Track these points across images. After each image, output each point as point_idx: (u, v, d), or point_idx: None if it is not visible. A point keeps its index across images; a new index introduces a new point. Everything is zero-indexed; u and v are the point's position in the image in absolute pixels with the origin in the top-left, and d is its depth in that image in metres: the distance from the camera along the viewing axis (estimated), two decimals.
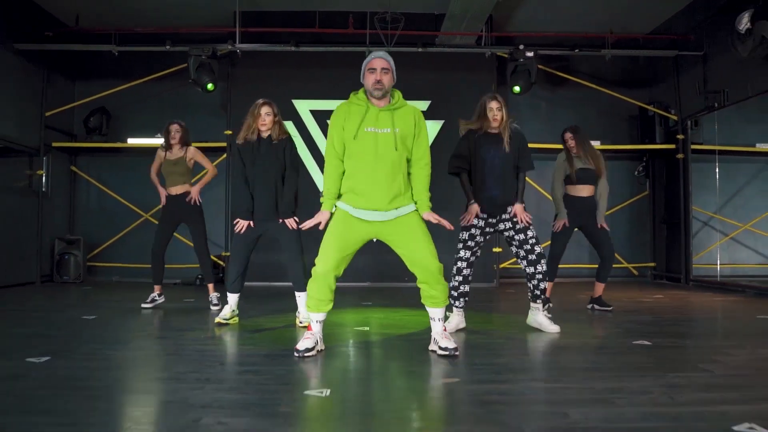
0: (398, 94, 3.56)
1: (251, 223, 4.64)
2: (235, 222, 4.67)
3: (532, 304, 4.49)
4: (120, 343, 3.90)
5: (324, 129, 8.67)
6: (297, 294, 4.71)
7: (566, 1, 8.33)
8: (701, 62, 8.30)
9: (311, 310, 3.50)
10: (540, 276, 4.34)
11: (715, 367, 3.16)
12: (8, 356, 3.34)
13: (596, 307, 5.69)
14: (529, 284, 4.43)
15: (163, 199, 5.79)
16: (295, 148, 4.77)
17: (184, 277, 8.67)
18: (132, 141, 8.95)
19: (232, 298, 4.76)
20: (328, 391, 2.67)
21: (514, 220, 4.37)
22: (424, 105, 8.69)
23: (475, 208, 4.34)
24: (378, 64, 3.42)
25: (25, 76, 8.24)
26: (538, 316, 4.45)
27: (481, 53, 8.61)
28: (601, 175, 5.53)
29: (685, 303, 6.41)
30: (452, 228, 3.59)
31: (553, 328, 4.34)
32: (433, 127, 8.69)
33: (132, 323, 4.83)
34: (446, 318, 3.93)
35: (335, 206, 3.55)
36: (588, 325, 4.82)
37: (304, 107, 8.70)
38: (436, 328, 3.55)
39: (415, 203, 3.56)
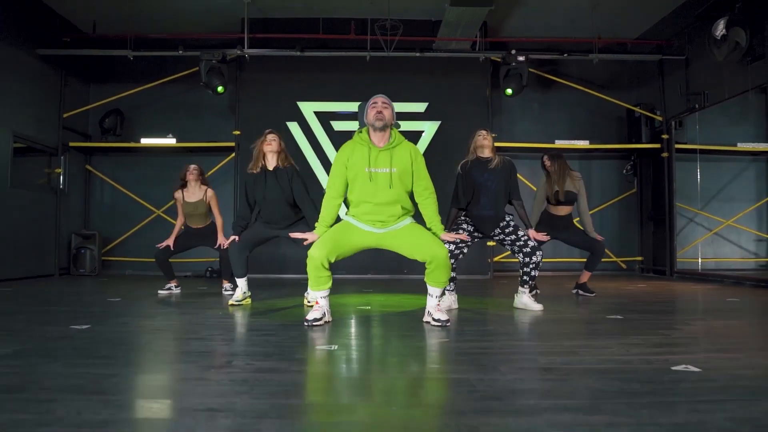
0: (395, 133, 4.03)
1: (236, 238, 5.14)
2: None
3: (519, 288, 4.95)
4: (148, 317, 4.38)
5: (327, 129, 9.17)
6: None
7: (557, 9, 8.82)
8: (683, 66, 8.79)
9: (313, 288, 3.92)
10: (533, 265, 4.80)
11: (672, 333, 3.63)
12: (54, 324, 3.81)
13: (581, 292, 6.14)
14: (521, 270, 4.89)
15: (171, 243, 6.22)
16: (300, 176, 5.19)
17: (195, 270, 9.14)
18: (145, 141, 9.43)
19: (242, 282, 5.22)
20: (336, 346, 3.14)
21: (502, 224, 4.86)
22: (422, 107, 9.18)
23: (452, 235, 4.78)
24: (379, 100, 3.95)
25: (44, 80, 8.73)
26: (523, 298, 4.92)
27: (475, 58, 9.11)
28: (579, 194, 5.96)
29: (664, 290, 6.88)
30: (469, 239, 4.05)
31: (536, 307, 4.81)
32: (431, 128, 9.18)
33: (155, 304, 5.31)
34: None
35: (341, 218, 4.08)
36: (571, 305, 5.29)
37: (308, 109, 9.19)
38: (431, 302, 4.02)
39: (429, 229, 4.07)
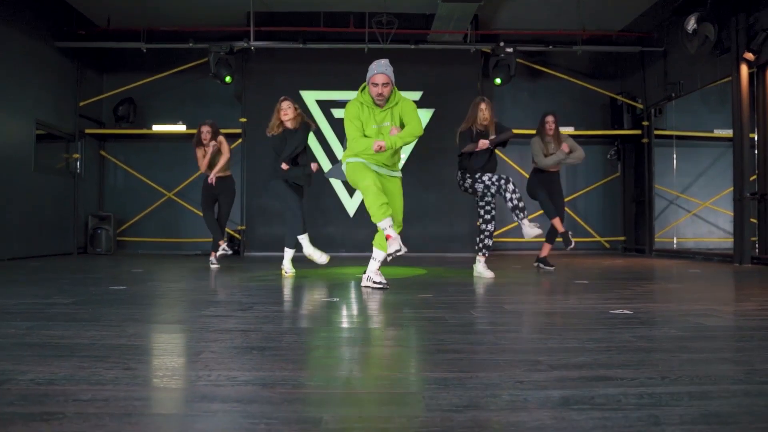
0: (396, 94, 4.48)
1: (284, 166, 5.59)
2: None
3: (476, 257, 5.60)
4: (173, 281, 5.01)
5: (329, 116, 9.77)
6: (286, 249, 5.68)
7: (544, 3, 9.37)
8: (662, 57, 9.37)
9: (380, 218, 4.12)
10: (488, 233, 5.48)
11: (624, 291, 4.26)
12: (96, 286, 4.44)
13: (541, 266, 6.55)
14: (477, 238, 5.57)
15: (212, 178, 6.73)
16: (307, 130, 5.72)
17: (204, 248, 9.77)
18: (156, 128, 10.03)
19: (304, 240, 5.61)
20: (338, 298, 3.77)
21: (493, 179, 5.39)
22: (416, 95, 9.77)
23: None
24: (379, 80, 4.25)
25: (62, 71, 9.31)
26: (478, 266, 5.57)
27: (466, 49, 9.69)
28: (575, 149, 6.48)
29: (638, 264, 7.51)
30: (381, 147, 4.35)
31: (488, 274, 5.46)
32: (425, 115, 9.78)
33: (175, 273, 5.94)
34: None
35: (353, 162, 4.47)
36: (546, 275, 5.91)
37: (310, 97, 9.78)
38: (372, 267, 4.47)
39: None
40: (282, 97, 5.71)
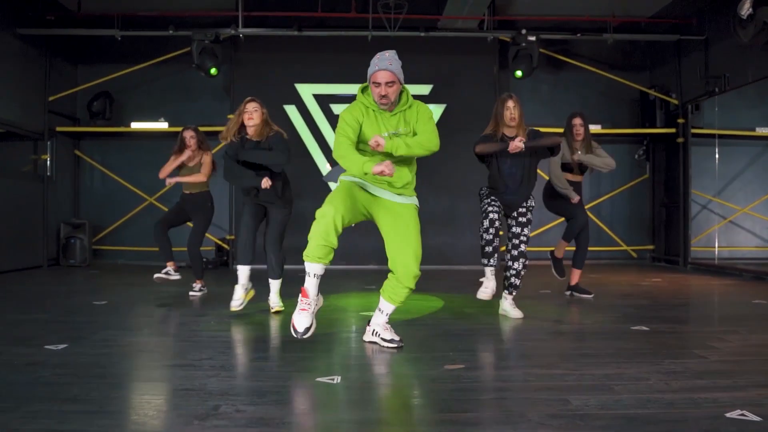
0: (406, 94, 3.46)
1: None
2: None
3: (503, 293, 4.61)
4: (133, 329, 4.02)
5: (327, 112, 8.74)
6: (271, 281, 4.68)
7: None
8: (703, 47, 8.33)
9: (309, 259, 3.17)
10: (514, 272, 4.50)
11: (710, 353, 3.28)
12: (27, 343, 3.45)
13: (575, 294, 5.62)
14: (505, 273, 4.59)
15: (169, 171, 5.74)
16: (286, 144, 4.58)
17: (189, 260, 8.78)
18: (135, 125, 9.01)
19: (243, 272, 4.65)
20: (338, 378, 2.78)
21: (521, 210, 4.48)
22: (426, 89, 8.75)
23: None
24: (382, 78, 3.26)
25: (27, 61, 8.27)
26: (504, 304, 4.60)
27: (483, 37, 8.64)
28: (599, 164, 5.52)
29: (681, 287, 6.54)
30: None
31: (515, 314, 4.49)
32: (436, 111, 8.74)
33: (142, 309, 4.95)
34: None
35: (340, 180, 3.49)
36: (587, 310, 4.93)
37: (306, 91, 8.75)
38: (379, 320, 3.48)
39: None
40: (248, 98, 4.59)
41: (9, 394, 2.50)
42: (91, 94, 9.03)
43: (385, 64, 3.28)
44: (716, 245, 8.85)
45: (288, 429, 2.13)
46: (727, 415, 2.26)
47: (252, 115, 4.47)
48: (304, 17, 8.52)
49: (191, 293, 5.58)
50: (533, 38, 8.10)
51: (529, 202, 4.53)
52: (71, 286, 6.54)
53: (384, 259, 3.45)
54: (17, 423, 2.15)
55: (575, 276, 5.65)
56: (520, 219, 4.52)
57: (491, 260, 4.38)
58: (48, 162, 8.71)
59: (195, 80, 9.00)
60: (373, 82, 3.30)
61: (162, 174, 5.71)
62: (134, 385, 2.72)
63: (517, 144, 4.21)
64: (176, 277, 5.71)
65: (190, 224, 5.87)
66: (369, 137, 3.31)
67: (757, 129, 9.14)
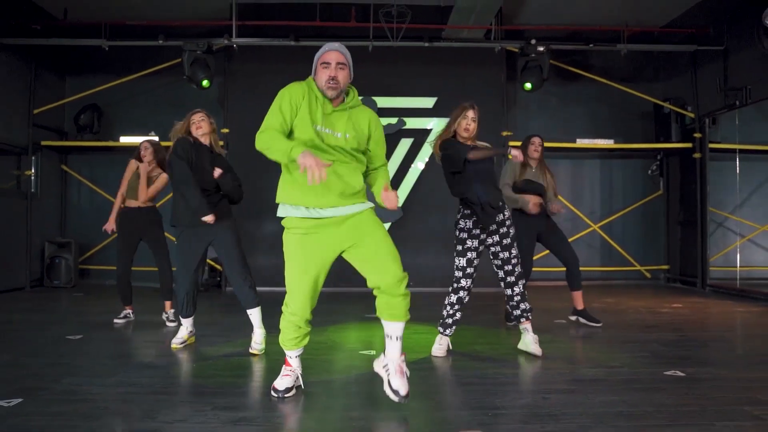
0: (353, 92, 3.06)
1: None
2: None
3: (520, 326, 4.22)
4: (103, 375, 3.54)
5: None
6: (250, 312, 4.23)
7: None
8: (721, 57, 7.90)
9: (287, 348, 3.10)
10: (518, 298, 4.17)
11: (764, 412, 2.82)
12: None
13: (581, 320, 5.35)
14: (507, 306, 4.28)
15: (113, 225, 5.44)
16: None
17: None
18: (124, 139, 8.58)
19: (188, 322, 4.37)
20: None
21: (502, 231, 4.13)
22: (430, 102, 8.34)
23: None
24: (332, 58, 2.90)
25: (11, 72, 7.86)
26: (526, 338, 4.19)
27: (490, 48, 8.22)
28: (553, 192, 5.29)
29: (706, 315, 6.08)
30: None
31: (534, 349, 4.10)
32: (440, 125, 8.25)
33: (119, 345, 4.51)
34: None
35: (284, 227, 3.03)
36: (611, 347, 4.47)
37: None
38: (392, 353, 2.93)
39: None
40: (195, 109, 4.35)
41: None
42: (79, 106, 8.63)
43: (336, 45, 2.97)
44: (738, 266, 8.37)
45: None
46: None
47: (200, 125, 4.25)
48: (301, 26, 8.11)
49: (122, 316, 5.42)
50: (543, 49, 7.67)
51: (507, 213, 4.20)
52: (49, 314, 6.07)
53: None
54: None
55: (578, 300, 5.35)
56: (504, 242, 4.13)
57: (447, 330, 4.20)
58: (32, 177, 8.29)
59: (187, 92, 8.56)
60: (323, 62, 2.93)
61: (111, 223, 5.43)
62: None
63: (516, 153, 3.78)
64: (132, 318, 5.50)
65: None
66: (302, 128, 2.87)
67: None
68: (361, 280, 2.98)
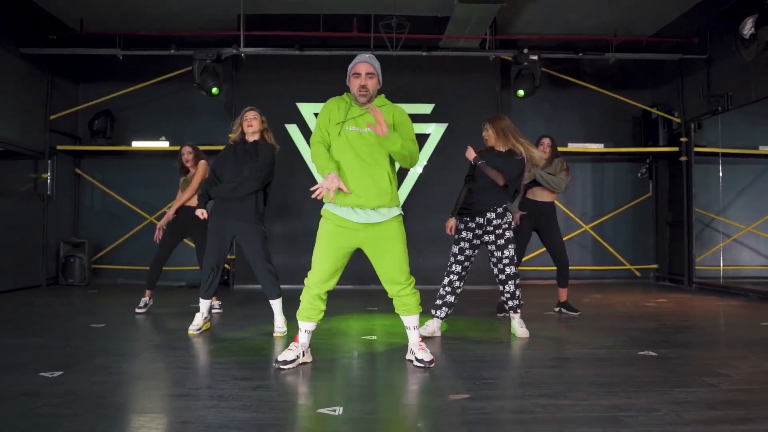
0: (381, 97, 3.60)
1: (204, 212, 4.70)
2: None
3: (511, 314, 4.67)
4: (131, 354, 3.94)
5: None
6: (273, 302, 4.65)
7: (569, 4, 8.33)
8: (705, 65, 8.31)
9: (301, 318, 3.54)
10: (508, 295, 4.59)
11: (720, 381, 3.20)
12: (22, 370, 3.37)
13: (563, 310, 5.88)
14: (502, 297, 4.69)
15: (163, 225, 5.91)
16: (272, 156, 4.67)
17: (189, 279, 8.74)
18: (136, 144, 8.98)
19: (205, 304, 4.72)
20: (341, 409, 2.71)
21: (498, 233, 4.55)
22: (428, 108, 8.73)
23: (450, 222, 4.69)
24: (362, 69, 3.44)
25: (29, 80, 8.26)
26: (513, 323, 4.65)
27: (485, 57, 8.63)
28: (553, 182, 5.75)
29: (687, 308, 6.45)
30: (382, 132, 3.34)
31: (522, 333, 4.55)
32: (438, 130, 8.74)
33: (141, 332, 4.89)
34: (422, 323, 4.03)
35: (322, 215, 3.55)
36: (591, 333, 4.85)
37: (308, 110, 8.73)
38: (413, 338, 3.62)
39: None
40: (248, 107, 4.79)
41: (8, 421, 2.43)
42: (93, 112, 9.04)
43: (366, 57, 3.50)
44: (721, 265, 8.76)
45: None
46: None
47: (251, 122, 4.63)
48: (306, 36, 8.52)
49: (214, 310, 5.80)
50: (535, 57, 8.08)
51: (505, 218, 4.58)
52: (70, 307, 6.46)
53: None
54: None
55: (563, 294, 5.88)
56: (498, 242, 4.55)
57: (438, 312, 4.64)
58: (48, 181, 8.67)
59: (196, 99, 8.99)
60: (354, 73, 3.47)
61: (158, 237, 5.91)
62: (130, 418, 2.63)
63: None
64: (151, 303, 5.94)
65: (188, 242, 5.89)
66: (335, 130, 3.45)
67: (761, 147, 9.08)
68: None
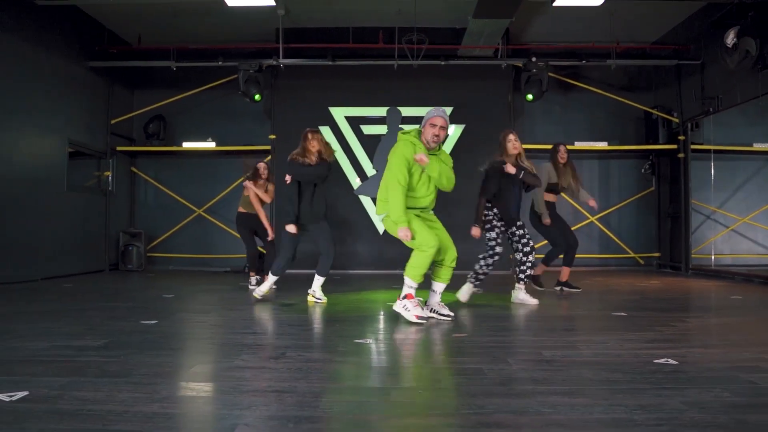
0: (441, 146, 4.66)
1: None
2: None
3: (516, 285, 5.56)
4: (203, 312, 4.98)
5: (357, 132, 9.73)
6: (317, 276, 5.60)
7: (576, 15, 9.18)
8: (699, 70, 9.11)
9: (416, 279, 4.37)
10: (529, 264, 5.45)
11: (666, 330, 4.09)
12: (127, 320, 4.42)
13: (564, 289, 6.63)
14: (517, 268, 5.54)
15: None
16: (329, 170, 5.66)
17: (233, 265, 9.80)
18: (186, 145, 10.08)
19: (273, 279, 5.69)
20: (371, 340, 3.69)
21: (516, 230, 5.48)
22: (446, 111, 9.67)
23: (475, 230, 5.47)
24: (439, 122, 4.43)
25: (93, 89, 9.41)
26: (520, 294, 5.52)
27: (498, 64, 9.55)
28: (576, 188, 6.65)
29: (675, 287, 7.28)
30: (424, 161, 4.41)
31: (532, 301, 5.42)
32: (456, 131, 9.68)
33: (204, 300, 5.93)
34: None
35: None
36: (581, 302, 5.76)
37: (339, 114, 9.75)
38: (434, 300, 4.61)
39: None
40: (308, 129, 5.68)
41: (131, 345, 3.46)
42: (147, 117, 10.16)
43: (441, 112, 4.50)
44: (713, 253, 9.56)
45: (336, 365, 3.04)
46: (655, 361, 3.10)
47: (312, 142, 5.51)
48: (337, 48, 9.53)
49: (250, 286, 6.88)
50: (542, 64, 8.96)
51: (519, 222, 5.49)
52: (138, 284, 7.56)
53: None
54: (146, 358, 3.10)
55: (565, 274, 6.66)
56: (517, 232, 5.46)
57: (477, 282, 5.54)
58: (110, 178, 9.81)
59: (238, 104, 10.05)
60: (431, 124, 4.47)
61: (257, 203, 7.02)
62: (215, 343, 3.66)
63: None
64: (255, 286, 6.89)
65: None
66: (416, 171, 4.46)
67: (755, 144, 9.84)
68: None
